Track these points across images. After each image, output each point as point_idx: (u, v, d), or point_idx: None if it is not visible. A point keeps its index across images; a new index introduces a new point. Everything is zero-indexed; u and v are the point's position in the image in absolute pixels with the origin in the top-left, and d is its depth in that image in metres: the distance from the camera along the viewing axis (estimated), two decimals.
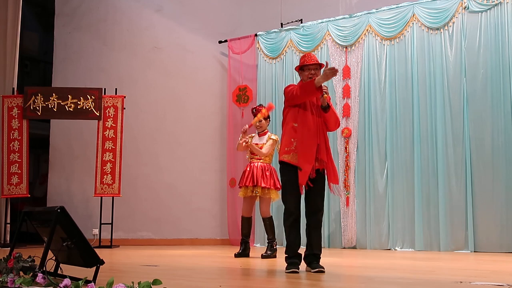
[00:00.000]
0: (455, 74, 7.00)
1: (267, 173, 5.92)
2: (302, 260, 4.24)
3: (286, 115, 4.32)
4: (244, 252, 5.99)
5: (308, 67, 4.28)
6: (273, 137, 6.07)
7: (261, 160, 6.00)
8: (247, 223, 6.09)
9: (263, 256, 5.82)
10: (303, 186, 4.15)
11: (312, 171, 4.14)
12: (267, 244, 6.02)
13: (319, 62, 4.30)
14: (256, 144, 6.05)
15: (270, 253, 5.86)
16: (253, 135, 6.19)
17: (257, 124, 6.03)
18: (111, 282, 2.62)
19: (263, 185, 5.85)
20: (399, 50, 7.45)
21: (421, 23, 7.28)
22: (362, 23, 7.73)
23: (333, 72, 3.95)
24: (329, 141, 7.56)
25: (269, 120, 6.20)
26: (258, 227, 8.33)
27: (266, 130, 6.12)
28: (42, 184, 10.24)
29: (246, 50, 8.75)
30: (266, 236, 6.12)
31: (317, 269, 4.08)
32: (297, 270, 4.10)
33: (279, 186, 5.77)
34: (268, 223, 5.99)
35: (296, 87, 4.20)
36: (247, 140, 5.92)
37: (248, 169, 6.04)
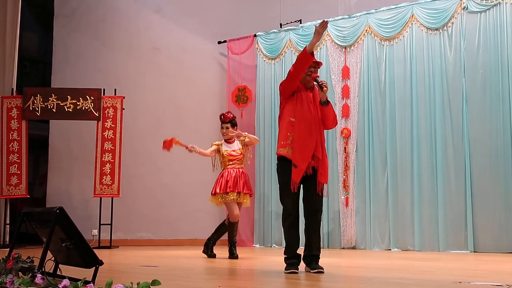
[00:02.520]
0: (455, 74, 7.00)
1: (243, 178, 5.96)
2: (302, 261, 4.24)
3: (282, 110, 4.29)
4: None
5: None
6: (242, 137, 6.09)
7: (240, 166, 6.01)
8: (234, 228, 6.11)
9: (236, 257, 5.93)
10: (297, 183, 4.10)
11: (308, 169, 4.11)
12: (229, 245, 6.08)
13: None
14: (229, 150, 6.04)
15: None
16: (218, 142, 6.16)
17: (224, 131, 6.06)
18: (110, 283, 2.62)
19: (246, 191, 5.91)
20: (398, 50, 7.45)
21: (420, 23, 7.28)
22: (361, 24, 7.73)
23: (323, 26, 4.03)
24: (329, 141, 7.65)
25: (236, 128, 6.14)
26: (258, 228, 8.35)
27: (234, 138, 6.08)
28: (41, 185, 10.24)
29: (245, 50, 8.75)
30: (229, 238, 6.12)
31: (316, 270, 4.07)
32: (296, 270, 4.09)
33: (252, 193, 6.05)
34: (237, 227, 6.11)
35: (290, 69, 4.22)
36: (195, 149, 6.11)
37: (232, 174, 5.93)
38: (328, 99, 4.28)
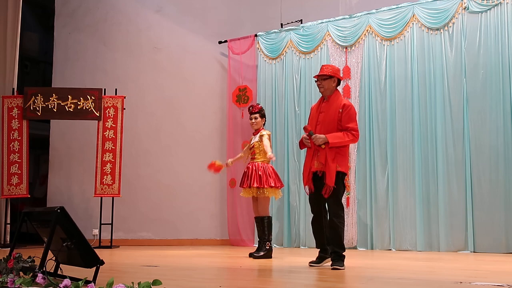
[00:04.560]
0: (455, 74, 7.00)
1: (259, 173, 5.87)
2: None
3: None
4: (261, 254, 5.83)
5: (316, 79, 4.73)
6: (263, 132, 6.03)
7: (258, 160, 5.99)
8: (256, 223, 6.04)
9: (254, 256, 5.76)
10: (310, 187, 4.63)
11: (310, 174, 4.56)
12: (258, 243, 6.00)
13: (329, 73, 4.66)
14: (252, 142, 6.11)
15: (261, 253, 5.79)
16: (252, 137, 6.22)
17: (252, 122, 6.12)
18: (111, 283, 2.62)
19: (255, 185, 5.83)
20: (399, 50, 7.45)
21: (421, 23, 7.28)
22: (362, 24, 7.73)
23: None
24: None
25: (265, 119, 6.23)
26: None
27: (259, 128, 6.12)
28: (42, 185, 10.24)
29: (246, 50, 8.74)
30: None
31: (332, 267, 4.44)
32: (312, 264, 4.65)
33: (273, 185, 5.84)
34: (263, 222, 5.91)
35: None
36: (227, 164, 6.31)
37: (245, 170, 6.07)
38: (323, 139, 4.48)
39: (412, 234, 7.03)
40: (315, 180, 4.56)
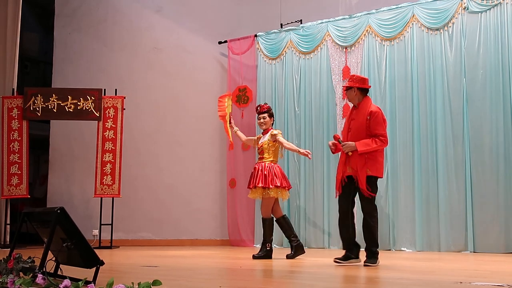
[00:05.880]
0: (455, 74, 7.00)
1: (265, 172, 5.79)
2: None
3: None
4: (261, 254, 5.81)
5: None
6: (275, 131, 5.93)
7: (266, 160, 5.91)
8: (263, 225, 5.95)
9: (254, 256, 5.75)
10: (338, 191, 4.85)
11: (343, 179, 4.76)
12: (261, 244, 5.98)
13: (348, 84, 4.98)
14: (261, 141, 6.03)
15: (261, 253, 5.78)
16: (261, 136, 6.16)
17: (261, 121, 6.03)
18: (111, 283, 2.62)
19: (260, 184, 5.76)
20: (399, 50, 7.45)
21: (421, 23, 7.28)
22: (362, 24, 7.73)
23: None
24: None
25: (273, 119, 6.16)
26: (259, 228, 8.33)
27: (269, 128, 6.05)
28: (42, 185, 10.24)
29: (246, 50, 8.75)
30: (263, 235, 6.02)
31: (364, 264, 4.65)
32: (338, 261, 4.75)
33: (279, 185, 5.76)
34: (264, 224, 5.88)
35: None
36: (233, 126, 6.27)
37: (252, 171, 6.00)
38: (352, 146, 4.73)
39: (412, 234, 7.03)
40: (348, 182, 4.77)
